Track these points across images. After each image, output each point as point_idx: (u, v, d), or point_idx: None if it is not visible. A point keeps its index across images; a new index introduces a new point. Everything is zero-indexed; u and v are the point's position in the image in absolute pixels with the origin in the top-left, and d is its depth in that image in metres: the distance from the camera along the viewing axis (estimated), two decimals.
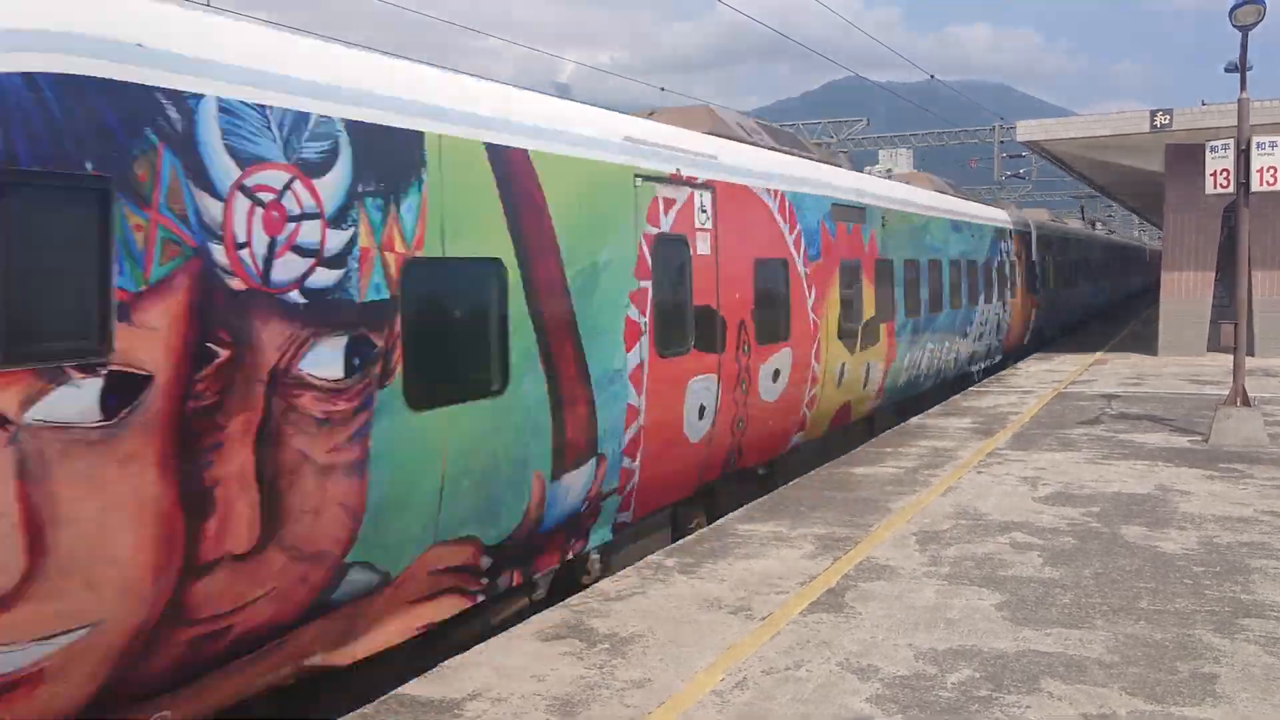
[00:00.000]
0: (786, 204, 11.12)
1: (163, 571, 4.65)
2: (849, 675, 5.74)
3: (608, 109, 9.06)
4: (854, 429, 14.22)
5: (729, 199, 9.82)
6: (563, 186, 7.30)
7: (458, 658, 6.17)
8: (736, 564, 7.93)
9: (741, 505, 9.97)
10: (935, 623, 6.55)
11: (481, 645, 6.39)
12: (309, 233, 5.32)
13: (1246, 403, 12.64)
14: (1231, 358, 13.42)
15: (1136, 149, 23.46)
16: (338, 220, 5.47)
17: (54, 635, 4.27)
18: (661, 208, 8.64)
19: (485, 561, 6.81)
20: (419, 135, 6.06)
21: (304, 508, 5.28)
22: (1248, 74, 12.96)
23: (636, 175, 8.27)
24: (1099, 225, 55.02)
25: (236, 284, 4.91)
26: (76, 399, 4.26)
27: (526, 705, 5.45)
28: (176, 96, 4.70)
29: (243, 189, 4.98)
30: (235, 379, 4.89)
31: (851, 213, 13.14)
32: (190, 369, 4.69)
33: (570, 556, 7.85)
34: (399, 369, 5.77)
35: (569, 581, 7.91)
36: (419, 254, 5.98)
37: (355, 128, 5.63)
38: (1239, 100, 12.99)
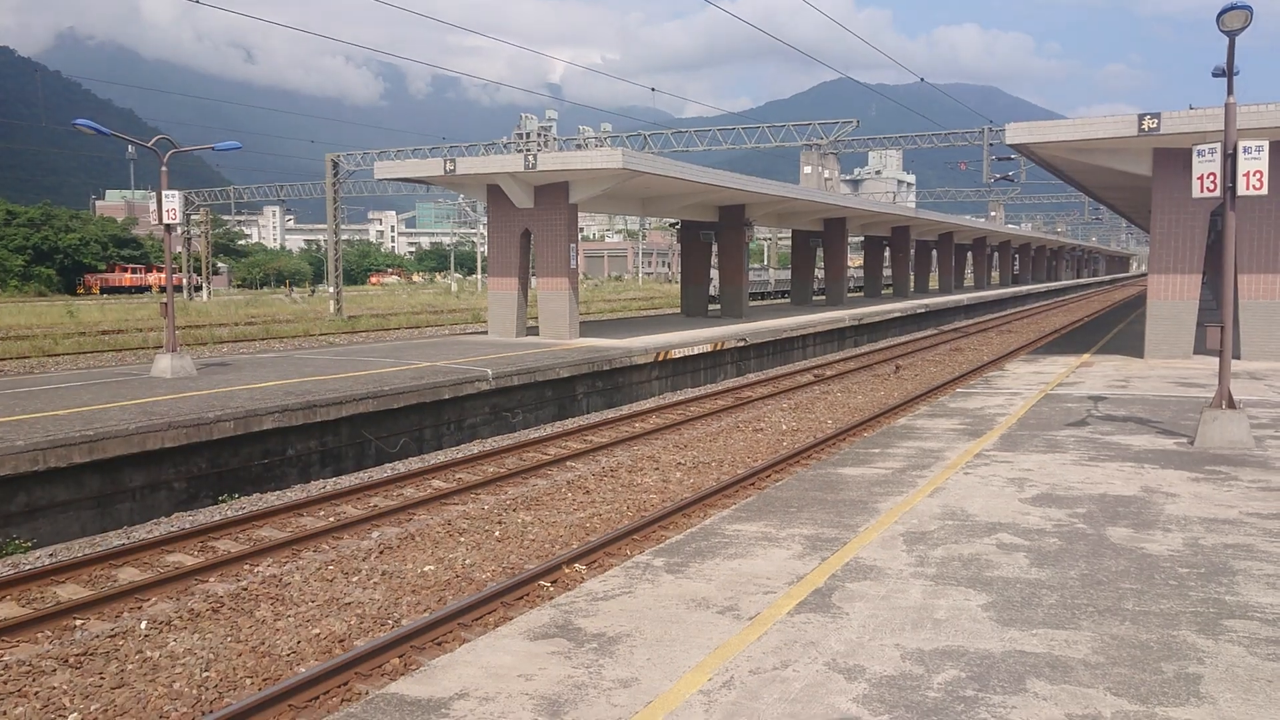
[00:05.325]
0: None
1: None
2: (836, 675, 5.75)
3: (597, 109, 9.06)
4: None
5: None
6: None
7: (445, 656, 6.17)
8: (724, 564, 7.94)
9: None
10: (922, 623, 6.57)
11: (469, 644, 6.38)
12: None
13: (1232, 405, 12.72)
14: (1217, 360, 13.49)
15: (1124, 152, 23.55)
16: None
17: None
18: None
19: None
20: None
21: None
22: (1235, 79, 13.04)
23: None
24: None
25: None
26: None
27: (514, 705, 5.45)
28: None
29: None
30: None
31: None
32: None
33: None
34: None
35: None
36: None
37: None
38: (1226, 105, 13.06)
